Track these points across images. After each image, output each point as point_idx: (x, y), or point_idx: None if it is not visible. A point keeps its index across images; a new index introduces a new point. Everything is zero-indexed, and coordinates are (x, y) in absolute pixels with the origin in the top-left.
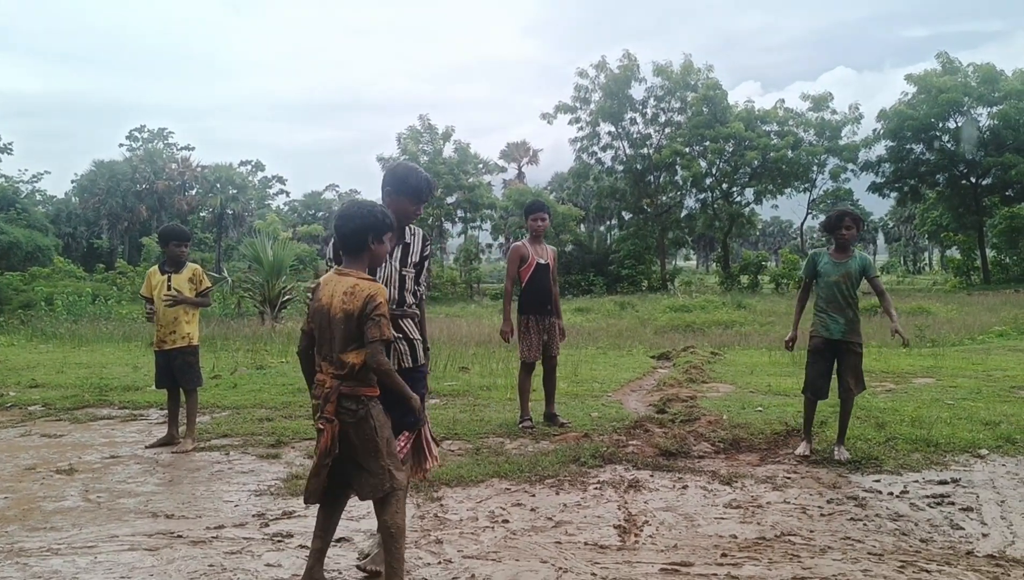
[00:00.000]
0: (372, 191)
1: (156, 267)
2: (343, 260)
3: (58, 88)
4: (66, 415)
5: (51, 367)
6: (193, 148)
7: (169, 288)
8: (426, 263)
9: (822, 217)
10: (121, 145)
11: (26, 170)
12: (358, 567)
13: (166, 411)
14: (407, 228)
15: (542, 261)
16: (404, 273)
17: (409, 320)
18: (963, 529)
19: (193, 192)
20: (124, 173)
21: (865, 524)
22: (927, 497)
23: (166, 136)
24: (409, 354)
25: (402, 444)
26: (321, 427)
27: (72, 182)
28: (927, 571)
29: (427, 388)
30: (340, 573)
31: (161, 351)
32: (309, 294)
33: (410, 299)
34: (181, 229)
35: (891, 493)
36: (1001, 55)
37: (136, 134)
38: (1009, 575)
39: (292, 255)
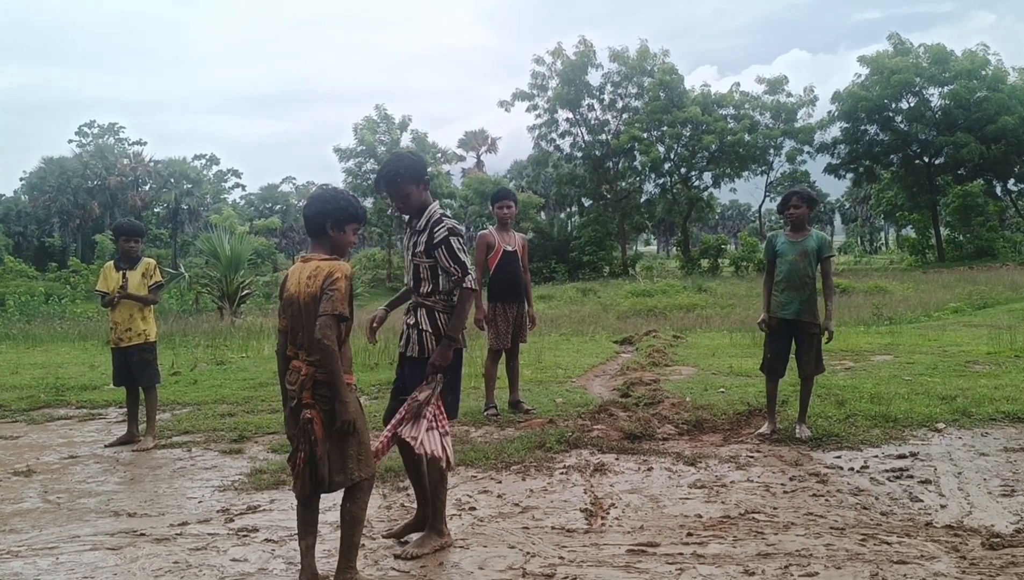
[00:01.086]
0: (330, 182)
1: (111, 263)
2: (310, 245)
3: (1, 84)
4: (22, 416)
5: (5, 368)
6: (145, 143)
7: (124, 286)
8: (438, 252)
9: (780, 199)
10: (71, 141)
11: None
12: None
13: (125, 409)
14: (424, 217)
15: (509, 248)
16: (415, 261)
17: (424, 310)
18: (922, 501)
19: (146, 188)
20: (75, 170)
21: (827, 500)
22: (887, 471)
23: (117, 131)
24: (417, 343)
25: (386, 434)
26: (309, 416)
27: (21, 180)
28: (888, 543)
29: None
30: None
31: (118, 349)
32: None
33: (425, 288)
34: (134, 224)
35: (852, 468)
36: (952, 35)
37: (86, 130)
38: (967, 544)
39: (250, 249)
